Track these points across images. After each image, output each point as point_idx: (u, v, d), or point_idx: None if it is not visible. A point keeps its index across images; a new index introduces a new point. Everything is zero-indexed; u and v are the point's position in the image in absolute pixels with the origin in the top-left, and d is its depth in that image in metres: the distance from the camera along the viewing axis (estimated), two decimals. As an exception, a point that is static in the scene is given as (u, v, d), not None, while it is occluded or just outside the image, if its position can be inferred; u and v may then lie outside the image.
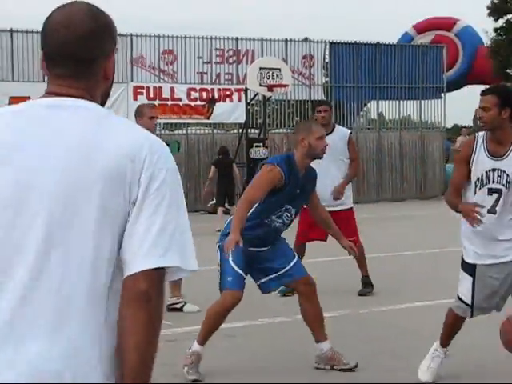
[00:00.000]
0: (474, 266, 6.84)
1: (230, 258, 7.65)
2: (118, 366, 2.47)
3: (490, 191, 6.50)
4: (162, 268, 2.44)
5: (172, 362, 8.14)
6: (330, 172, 11.54)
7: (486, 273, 6.80)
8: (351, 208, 12.35)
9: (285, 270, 7.61)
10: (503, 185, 6.49)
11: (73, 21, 2.56)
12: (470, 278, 6.93)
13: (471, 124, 57.89)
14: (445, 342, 7.34)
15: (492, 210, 6.50)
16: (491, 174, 6.43)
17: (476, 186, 6.61)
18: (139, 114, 10.60)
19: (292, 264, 7.67)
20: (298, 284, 7.71)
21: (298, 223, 11.42)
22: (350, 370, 7.65)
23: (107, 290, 2.43)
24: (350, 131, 12.59)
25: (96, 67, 2.63)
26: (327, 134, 10.96)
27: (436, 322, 9.72)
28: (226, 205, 21.91)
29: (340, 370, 7.64)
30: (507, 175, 6.37)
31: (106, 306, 2.43)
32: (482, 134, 6.68)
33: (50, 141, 2.46)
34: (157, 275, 2.43)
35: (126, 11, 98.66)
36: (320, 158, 8.26)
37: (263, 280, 7.69)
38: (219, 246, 7.70)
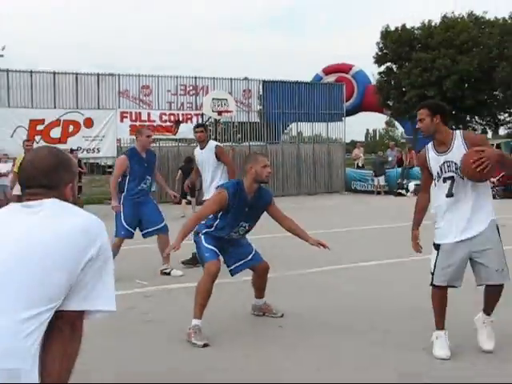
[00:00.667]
0: (438, 244, 6.55)
1: (204, 242, 7.41)
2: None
3: (445, 179, 6.46)
4: (82, 311, 2.73)
5: (147, 310, 8.28)
6: (209, 176, 11.45)
7: (446, 247, 6.47)
8: None
9: (249, 257, 7.53)
10: (453, 171, 6.44)
11: (38, 160, 2.91)
12: (436, 252, 6.55)
13: (363, 139, 59.05)
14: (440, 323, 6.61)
15: (449, 194, 6.45)
16: (443, 166, 6.42)
17: (435, 179, 6.57)
18: (139, 133, 10.35)
19: (253, 253, 7.58)
20: (257, 267, 7.58)
21: None
22: (277, 317, 7.69)
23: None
24: (216, 144, 12.15)
25: (57, 191, 2.90)
26: (203, 148, 11.61)
27: (326, 281, 10.21)
28: (188, 197, 21.89)
29: (270, 316, 7.66)
30: (455, 163, 6.32)
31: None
32: (429, 144, 6.66)
33: (10, 221, 2.76)
34: (73, 316, 2.71)
35: (114, 56, 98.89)
36: (265, 182, 7.57)
37: (233, 266, 7.55)
38: (195, 241, 7.49)
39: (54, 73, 27.32)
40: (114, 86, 28.44)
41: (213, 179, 11.34)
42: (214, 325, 7.40)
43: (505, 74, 34.84)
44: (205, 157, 11.44)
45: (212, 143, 11.93)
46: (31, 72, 26.90)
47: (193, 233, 7.45)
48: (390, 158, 31.78)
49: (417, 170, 29.30)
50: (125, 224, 9.94)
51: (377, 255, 12.13)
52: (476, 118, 40.42)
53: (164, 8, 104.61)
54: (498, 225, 6.55)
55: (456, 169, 6.41)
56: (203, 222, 7.39)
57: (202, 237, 7.38)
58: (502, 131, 44.40)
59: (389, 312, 8.07)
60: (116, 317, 7.21)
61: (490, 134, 44.47)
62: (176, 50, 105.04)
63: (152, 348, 6.80)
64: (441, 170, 6.50)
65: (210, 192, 10.78)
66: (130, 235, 10.22)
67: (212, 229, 7.35)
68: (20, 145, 23.96)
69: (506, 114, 40.77)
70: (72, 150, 23.73)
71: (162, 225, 10.59)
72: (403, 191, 29.09)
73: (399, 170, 30.53)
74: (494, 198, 7.94)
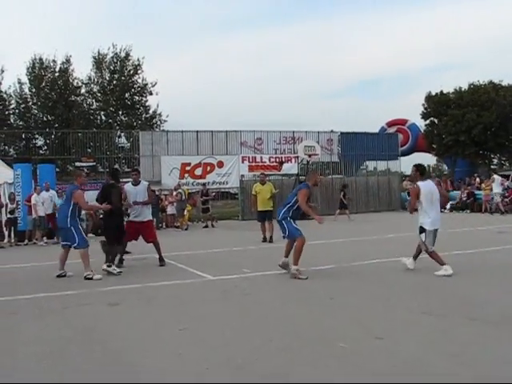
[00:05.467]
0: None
1: (293, 224, 9.40)
2: None
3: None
4: None
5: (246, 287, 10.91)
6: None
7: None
8: (150, 220, 12.16)
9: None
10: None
11: None
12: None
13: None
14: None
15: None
16: None
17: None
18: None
19: None
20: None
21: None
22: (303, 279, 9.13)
23: None
24: (147, 183, 12.44)
25: None
26: (137, 185, 11.94)
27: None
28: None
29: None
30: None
31: None
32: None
33: None
34: None
35: (235, 117, 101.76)
36: (317, 185, 10.07)
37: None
38: (283, 221, 9.46)
39: (197, 131, 30.42)
40: (237, 138, 31.10)
41: (143, 208, 11.88)
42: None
43: (516, 124, 35.63)
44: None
45: (144, 183, 12.27)
46: (182, 131, 30.31)
47: (281, 217, 9.45)
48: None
49: (454, 193, 31.26)
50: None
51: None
52: (497, 155, 40.92)
53: (273, 85, 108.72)
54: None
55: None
56: (286, 209, 9.47)
57: (291, 220, 9.39)
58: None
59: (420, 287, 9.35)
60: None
61: (512, 168, 44.99)
62: (282, 110, 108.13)
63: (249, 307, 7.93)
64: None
65: (143, 217, 11.84)
66: None
67: (295, 208, 9.34)
68: (174, 180, 27.93)
69: (520, 153, 40.92)
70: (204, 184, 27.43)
71: None
72: (442, 209, 29.83)
73: (439, 193, 31.20)
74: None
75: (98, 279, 10.15)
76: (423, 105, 39.92)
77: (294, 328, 6.17)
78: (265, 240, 16.12)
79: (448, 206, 29.74)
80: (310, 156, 28.82)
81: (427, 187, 9.41)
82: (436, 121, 39.52)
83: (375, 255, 11.49)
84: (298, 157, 30.30)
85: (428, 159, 56.03)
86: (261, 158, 31.13)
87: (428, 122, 40.23)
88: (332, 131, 34.26)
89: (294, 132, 32.58)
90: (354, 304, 7.34)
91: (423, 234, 9.26)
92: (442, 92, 39.27)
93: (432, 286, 8.41)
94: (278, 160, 31.15)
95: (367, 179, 33.18)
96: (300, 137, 32.29)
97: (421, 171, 9.72)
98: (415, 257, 9.71)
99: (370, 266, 10.47)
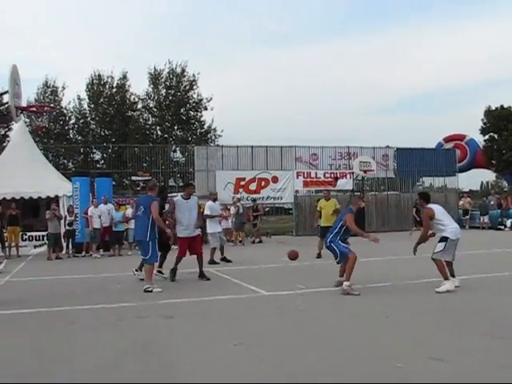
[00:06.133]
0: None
1: (341, 244, 9.74)
2: None
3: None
4: None
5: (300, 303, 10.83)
6: (193, 218, 11.80)
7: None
8: (199, 235, 12.12)
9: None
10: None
11: None
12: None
13: (479, 189, 59.07)
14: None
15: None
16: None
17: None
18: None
19: None
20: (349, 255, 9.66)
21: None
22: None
23: None
24: (196, 197, 12.43)
25: None
26: (188, 199, 11.95)
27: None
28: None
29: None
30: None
31: None
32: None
33: None
34: None
35: (289, 135, 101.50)
36: (360, 210, 10.70)
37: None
38: (331, 243, 9.73)
39: (252, 146, 30.60)
40: (292, 154, 31.05)
41: (194, 221, 11.94)
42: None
43: None
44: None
45: (194, 197, 12.32)
46: (237, 147, 30.49)
47: (329, 241, 9.78)
48: (491, 202, 31.34)
49: (513, 211, 30.41)
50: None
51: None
52: None
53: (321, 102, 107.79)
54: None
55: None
56: (334, 235, 9.78)
57: (339, 241, 9.71)
58: None
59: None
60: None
61: None
62: (334, 125, 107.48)
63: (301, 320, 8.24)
64: None
65: (194, 232, 11.97)
66: None
67: (341, 233, 9.75)
68: (229, 195, 28.13)
69: None
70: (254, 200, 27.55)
71: None
72: (502, 227, 29.24)
73: (499, 211, 30.36)
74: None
75: (158, 292, 10.30)
76: (482, 120, 39.29)
77: (348, 345, 6.11)
78: (319, 256, 16.10)
79: (508, 224, 29.12)
80: (365, 172, 29.07)
81: (438, 206, 9.95)
82: (496, 136, 38.82)
83: (432, 274, 11.17)
84: (353, 172, 30.33)
85: (487, 175, 54.61)
86: (315, 173, 31.13)
87: (487, 137, 39.54)
88: (388, 147, 34.04)
89: (349, 147, 32.45)
90: (409, 322, 7.24)
91: (443, 242, 9.54)
92: (502, 106, 38.59)
93: (492, 307, 8.20)
94: (332, 176, 31.11)
95: (425, 196, 32.41)
96: (355, 152, 32.19)
97: (425, 199, 10.25)
98: (452, 275, 9.84)
99: (427, 285, 10.28)
